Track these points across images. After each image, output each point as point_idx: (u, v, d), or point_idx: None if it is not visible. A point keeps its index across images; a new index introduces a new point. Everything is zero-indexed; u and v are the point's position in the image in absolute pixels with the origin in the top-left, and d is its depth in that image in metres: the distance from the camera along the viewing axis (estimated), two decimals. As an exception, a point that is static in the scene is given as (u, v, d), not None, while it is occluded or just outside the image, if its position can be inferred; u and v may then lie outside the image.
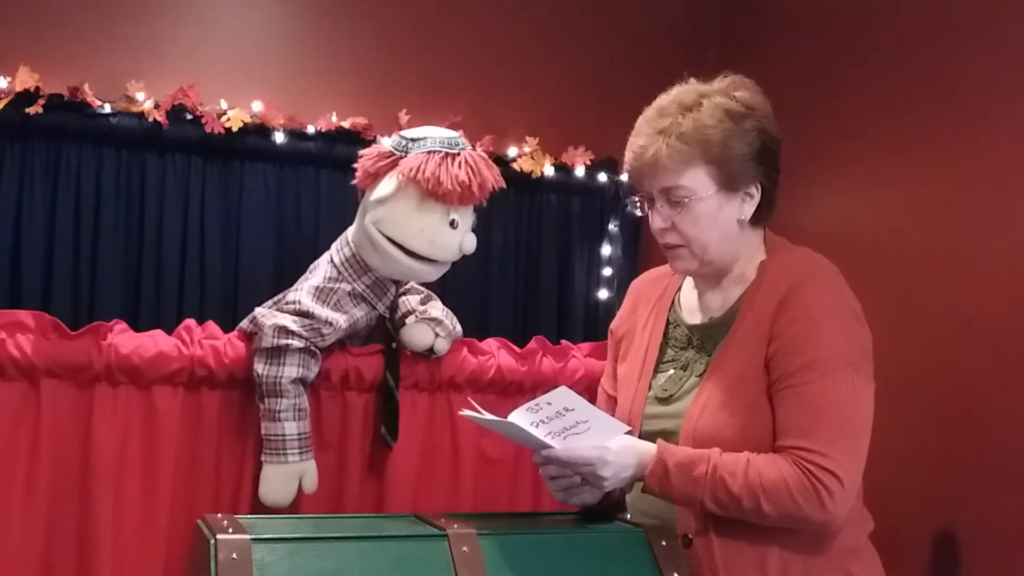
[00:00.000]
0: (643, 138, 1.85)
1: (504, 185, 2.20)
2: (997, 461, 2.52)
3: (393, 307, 2.25)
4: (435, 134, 2.13)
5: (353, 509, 2.15)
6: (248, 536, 1.59)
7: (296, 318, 2.06)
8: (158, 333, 2.07)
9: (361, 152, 2.20)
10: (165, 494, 2.03)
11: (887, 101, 2.96)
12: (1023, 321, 2.50)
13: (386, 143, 2.18)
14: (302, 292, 2.11)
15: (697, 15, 3.78)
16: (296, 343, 2.04)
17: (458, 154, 2.10)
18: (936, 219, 2.77)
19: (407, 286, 2.32)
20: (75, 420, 1.98)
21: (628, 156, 1.88)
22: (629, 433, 1.86)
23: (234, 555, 1.55)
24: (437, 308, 2.30)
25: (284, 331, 2.03)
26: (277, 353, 2.03)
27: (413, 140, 2.12)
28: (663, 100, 1.88)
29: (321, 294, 2.11)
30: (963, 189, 2.70)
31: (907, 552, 2.60)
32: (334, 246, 2.22)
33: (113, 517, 1.98)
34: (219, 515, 1.72)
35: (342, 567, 1.60)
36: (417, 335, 2.21)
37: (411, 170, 2.07)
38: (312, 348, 2.06)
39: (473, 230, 2.20)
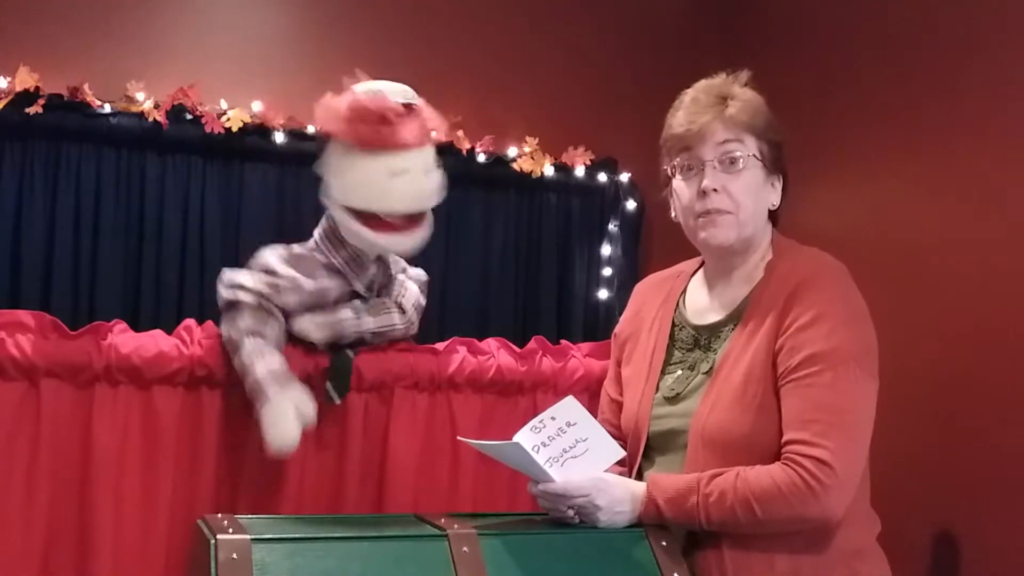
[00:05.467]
0: (696, 107, 1.88)
1: (437, 124, 2.09)
2: (998, 462, 2.52)
3: (377, 289, 2.20)
4: (377, 87, 2.05)
5: (353, 509, 2.15)
6: (248, 536, 1.59)
7: (255, 273, 2.03)
8: (158, 333, 2.07)
9: None
10: (165, 494, 2.03)
11: (887, 100, 2.96)
12: None
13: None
14: (269, 251, 2.09)
15: (697, 15, 3.79)
16: (248, 299, 1.99)
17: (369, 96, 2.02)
18: (936, 219, 2.77)
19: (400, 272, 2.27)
20: (75, 420, 1.98)
21: (677, 122, 1.89)
22: (630, 439, 1.85)
23: (234, 555, 1.55)
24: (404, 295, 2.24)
25: (238, 287, 2.00)
26: (231, 308, 1.99)
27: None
28: (705, 83, 1.92)
29: (292, 257, 2.07)
30: (963, 189, 2.70)
31: (908, 553, 2.60)
32: (321, 222, 2.19)
33: (113, 517, 1.98)
34: (219, 515, 1.72)
35: (342, 567, 1.60)
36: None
37: (329, 125, 2.01)
38: (266, 306, 2.01)
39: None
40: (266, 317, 2.00)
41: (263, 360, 1.97)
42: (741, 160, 1.85)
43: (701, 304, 1.97)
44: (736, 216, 1.87)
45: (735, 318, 1.88)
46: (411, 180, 2.05)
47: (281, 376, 1.98)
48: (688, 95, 1.92)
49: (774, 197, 1.91)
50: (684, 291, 2.02)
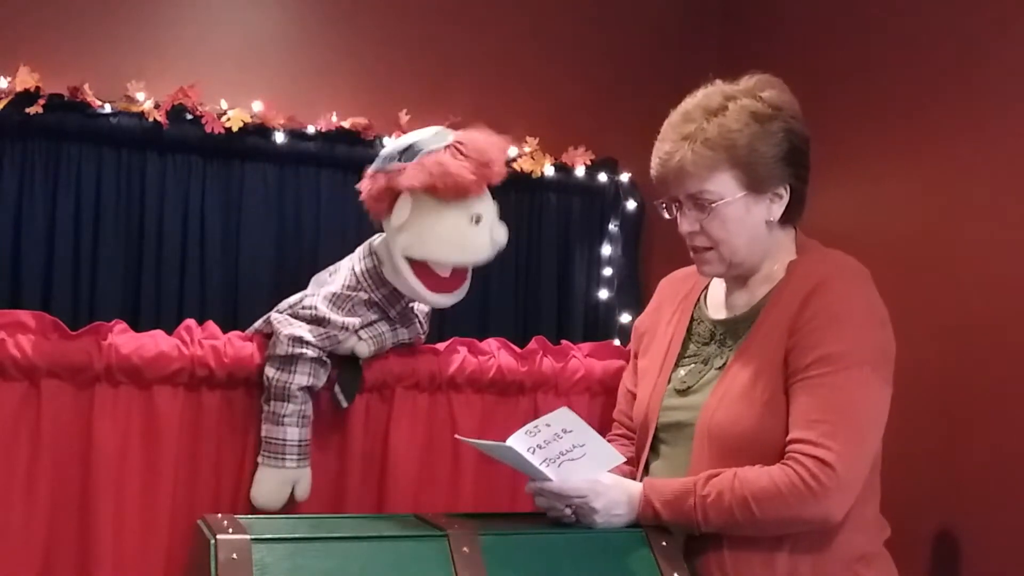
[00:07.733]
0: (669, 144, 1.85)
1: (507, 158, 2.11)
2: (999, 462, 2.52)
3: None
4: (422, 136, 2.07)
5: (353, 509, 2.15)
6: (248, 536, 1.59)
7: (311, 327, 2.06)
8: (158, 333, 2.07)
9: (359, 186, 2.13)
10: (165, 494, 2.03)
11: (887, 101, 2.96)
12: None
13: (379, 164, 2.12)
14: (319, 298, 2.11)
15: (697, 15, 3.79)
16: (309, 352, 2.04)
17: (450, 145, 2.03)
18: (937, 219, 2.77)
19: None
20: (75, 420, 1.98)
21: (654, 161, 1.88)
22: (639, 431, 1.85)
23: (234, 555, 1.55)
24: None
25: (299, 341, 2.04)
26: (290, 361, 2.04)
27: (403, 152, 2.06)
28: (688, 104, 1.87)
29: (337, 300, 2.10)
30: (964, 189, 2.70)
31: (909, 554, 2.59)
32: (357, 253, 2.18)
33: (113, 517, 1.98)
34: (219, 515, 1.72)
35: (342, 567, 1.60)
36: None
37: (419, 182, 2.02)
38: (323, 358, 2.07)
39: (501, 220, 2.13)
40: (320, 368, 2.07)
41: (300, 429, 2.05)
42: (711, 203, 1.83)
43: (722, 300, 1.97)
44: (718, 251, 1.86)
45: (753, 315, 1.88)
46: (488, 225, 2.08)
47: (304, 450, 2.06)
48: (672, 116, 1.88)
49: (775, 210, 1.85)
50: (707, 287, 2.02)
